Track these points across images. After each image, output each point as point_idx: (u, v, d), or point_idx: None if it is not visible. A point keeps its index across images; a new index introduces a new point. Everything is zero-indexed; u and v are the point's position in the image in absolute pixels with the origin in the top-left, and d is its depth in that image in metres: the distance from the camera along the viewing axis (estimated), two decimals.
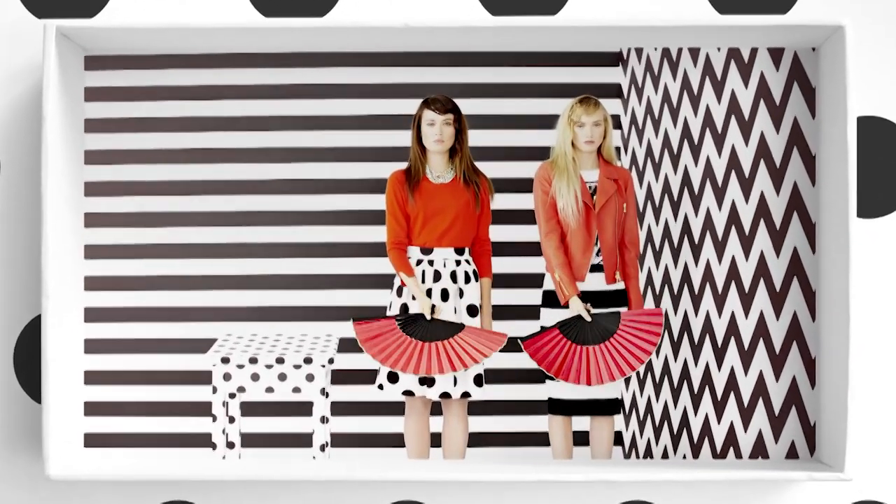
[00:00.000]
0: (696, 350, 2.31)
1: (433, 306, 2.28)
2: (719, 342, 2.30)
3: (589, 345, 2.23)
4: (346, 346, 2.36)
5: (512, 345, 2.37)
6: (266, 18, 2.26)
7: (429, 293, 2.32)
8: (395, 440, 2.35)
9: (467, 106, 2.38)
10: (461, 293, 2.33)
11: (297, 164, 2.39)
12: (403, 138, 2.38)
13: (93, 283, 2.35)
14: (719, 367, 2.31)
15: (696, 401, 2.31)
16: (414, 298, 2.31)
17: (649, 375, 2.35)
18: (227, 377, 2.26)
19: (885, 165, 2.27)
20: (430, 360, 2.24)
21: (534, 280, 2.38)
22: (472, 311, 2.34)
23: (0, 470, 2.37)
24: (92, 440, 2.34)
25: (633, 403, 2.35)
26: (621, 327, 2.25)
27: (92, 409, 2.35)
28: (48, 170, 2.16)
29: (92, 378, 2.35)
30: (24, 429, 2.36)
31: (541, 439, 2.34)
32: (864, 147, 2.28)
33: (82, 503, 2.36)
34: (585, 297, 2.31)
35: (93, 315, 2.35)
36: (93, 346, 2.35)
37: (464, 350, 2.24)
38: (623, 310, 2.26)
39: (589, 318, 2.24)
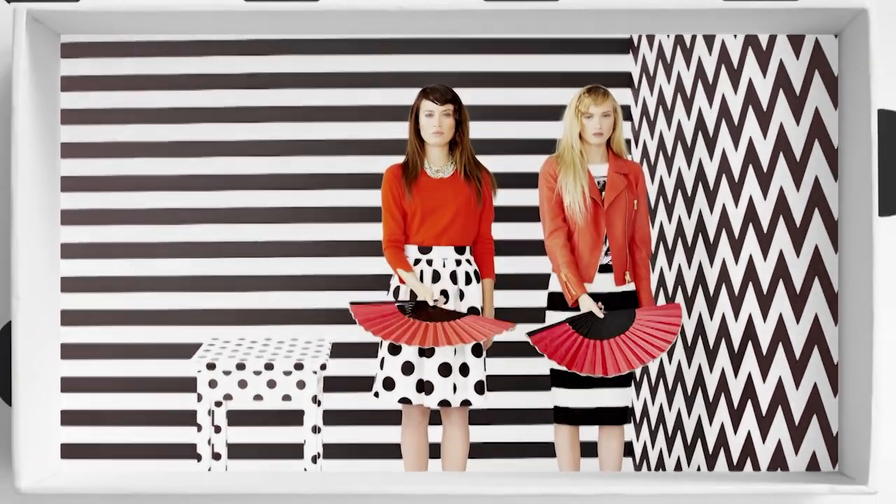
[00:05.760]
0: (712, 355, 2.23)
1: (436, 297, 2.22)
2: (736, 347, 2.22)
3: (602, 339, 2.18)
4: (340, 351, 2.30)
5: (515, 350, 2.36)
6: (254, 1, 2.21)
7: None
8: (392, 451, 2.30)
9: (468, 96, 2.33)
10: (461, 295, 2.28)
11: (287, 157, 2.35)
12: (400, 130, 2.33)
13: (70, 285, 2.28)
14: (736, 373, 2.24)
15: (712, 409, 2.23)
16: (413, 297, 2.25)
17: (661, 382, 2.33)
18: (212, 384, 2.21)
19: None
20: (430, 334, 2.19)
21: (539, 281, 2.33)
22: (473, 314, 2.28)
23: None
24: (69, 451, 2.27)
25: (645, 412, 2.30)
26: (637, 322, 2.20)
27: (69, 418, 2.27)
28: (18, 164, 2.10)
29: (69, 385, 2.28)
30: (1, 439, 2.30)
31: (546, 450, 2.30)
32: (887, 141, 2.21)
33: None
34: (594, 299, 2.24)
35: (70, 318, 2.28)
36: (70, 352, 2.28)
37: (466, 330, 2.20)
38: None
39: (601, 315, 2.20)
